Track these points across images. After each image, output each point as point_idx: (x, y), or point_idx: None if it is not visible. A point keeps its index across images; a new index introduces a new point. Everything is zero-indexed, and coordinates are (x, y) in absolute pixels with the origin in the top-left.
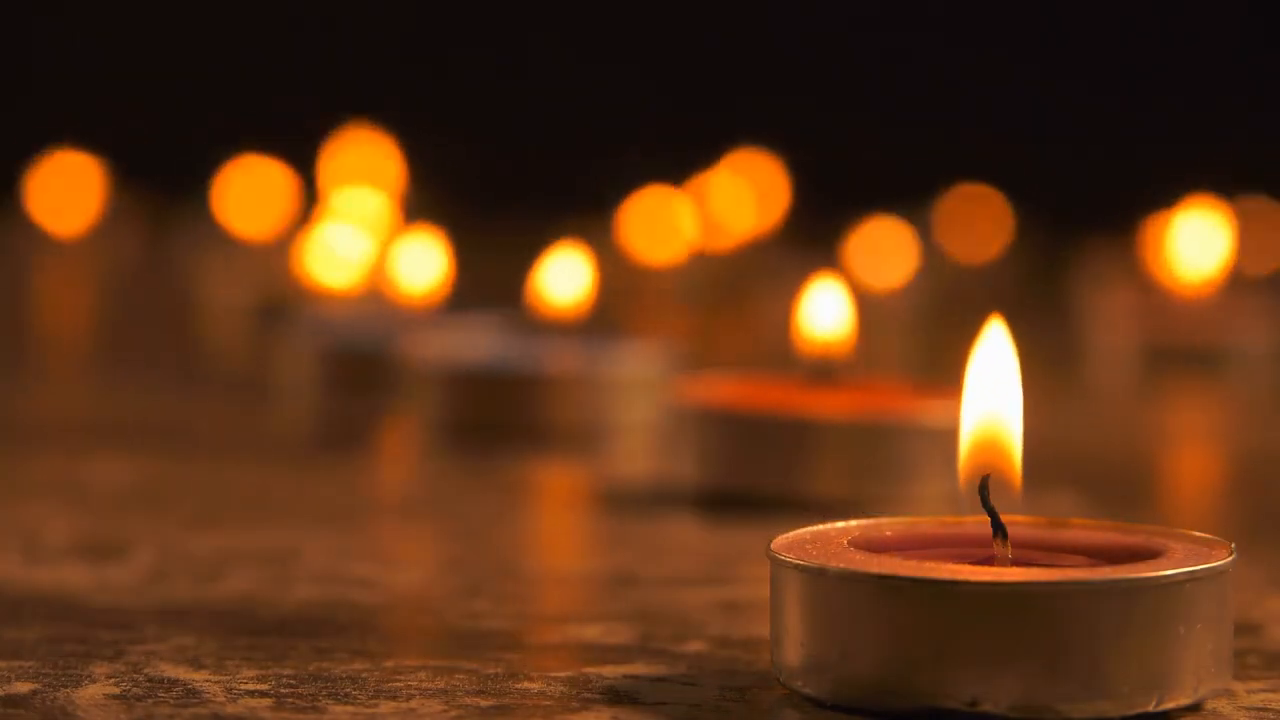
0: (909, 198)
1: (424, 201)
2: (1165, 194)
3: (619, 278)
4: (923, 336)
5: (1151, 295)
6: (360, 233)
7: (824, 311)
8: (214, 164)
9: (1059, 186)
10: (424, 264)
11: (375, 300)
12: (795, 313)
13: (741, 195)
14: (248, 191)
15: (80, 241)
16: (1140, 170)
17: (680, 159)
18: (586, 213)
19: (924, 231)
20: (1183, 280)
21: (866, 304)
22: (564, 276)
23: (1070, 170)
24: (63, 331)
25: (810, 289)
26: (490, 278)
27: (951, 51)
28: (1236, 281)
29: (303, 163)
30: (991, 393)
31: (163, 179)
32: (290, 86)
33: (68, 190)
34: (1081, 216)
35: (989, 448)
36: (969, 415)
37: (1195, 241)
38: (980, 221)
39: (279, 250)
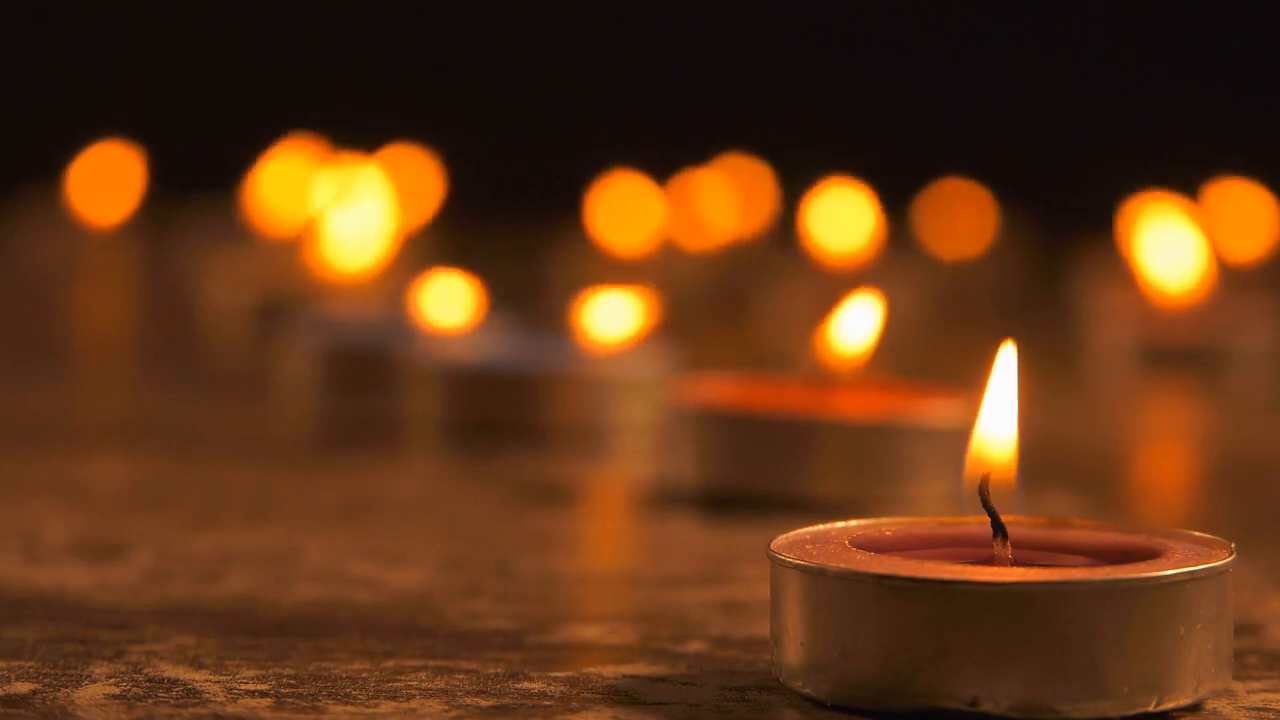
0: (899, 194)
1: (440, 204)
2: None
3: (617, 275)
4: (921, 335)
5: (1148, 294)
6: (370, 226)
7: (855, 327)
8: (220, 160)
9: (1056, 185)
10: (454, 300)
11: (387, 303)
12: (824, 325)
13: (728, 196)
14: (273, 189)
15: (105, 235)
16: (1138, 168)
17: (668, 158)
18: (575, 211)
19: (909, 228)
20: (1175, 279)
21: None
22: (615, 312)
23: (1068, 168)
24: (66, 331)
25: (845, 304)
26: (490, 278)
27: (946, 49)
28: (1232, 278)
29: (324, 160)
30: (993, 406)
31: (169, 174)
32: (290, 84)
33: (105, 181)
34: (1078, 215)
35: (985, 455)
36: (979, 422)
37: (1175, 239)
38: (965, 216)
39: (283, 249)
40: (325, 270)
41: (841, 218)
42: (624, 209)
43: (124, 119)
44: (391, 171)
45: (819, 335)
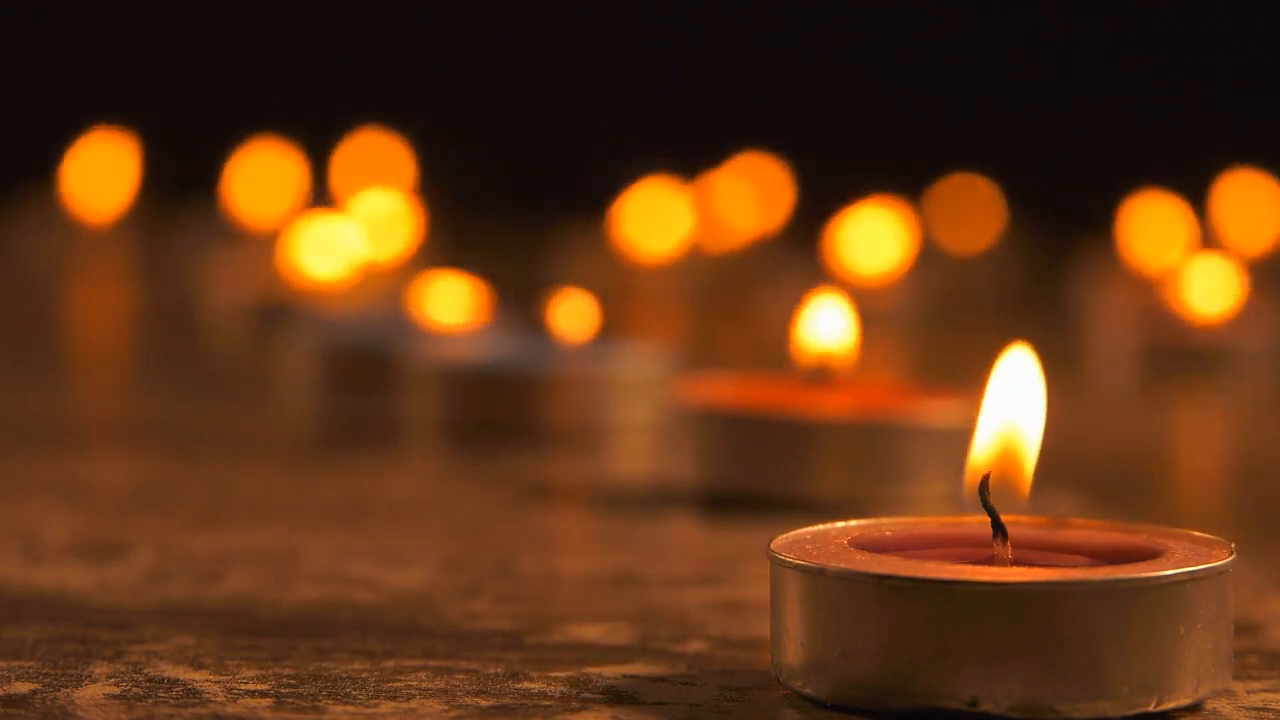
0: (904, 189)
1: (433, 202)
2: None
3: (616, 276)
4: (921, 335)
5: (1149, 294)
6: (365, 229)
7: (825, 325)
8: (218, 161)
9: (1055, 184)
10: (460, 299)
11: (387, 303)
12: (795, 324)
13: (744, 197)
14: (254, 186)
15: (102, 232)
16: (1134, 167)
17: (683, 159)
18: (588, 212)
19: (919, 223)
20: (1177, 278)
21: (863, 302)
22: (581, 307)
23: (1066, 168)
24: (67, 331)
25: (811, 302)
26: (495, 278)
27: (946, 48)
28: (1234, 276)
29: (310, 160)
30: (1013, 405)
31: (167, 175)
32: (293, 85)
33: (101, 174)
34: (1079, 214)
35: (1004, 457)
36: (987, 423)
37: (1177, 237)
38: (973, 211)
39: (283, 248)
40: (308, 278)
41: (871, 239)
42: (649, 212)
43: (119, 117)
44: (382, 168)
45: (795, 335)
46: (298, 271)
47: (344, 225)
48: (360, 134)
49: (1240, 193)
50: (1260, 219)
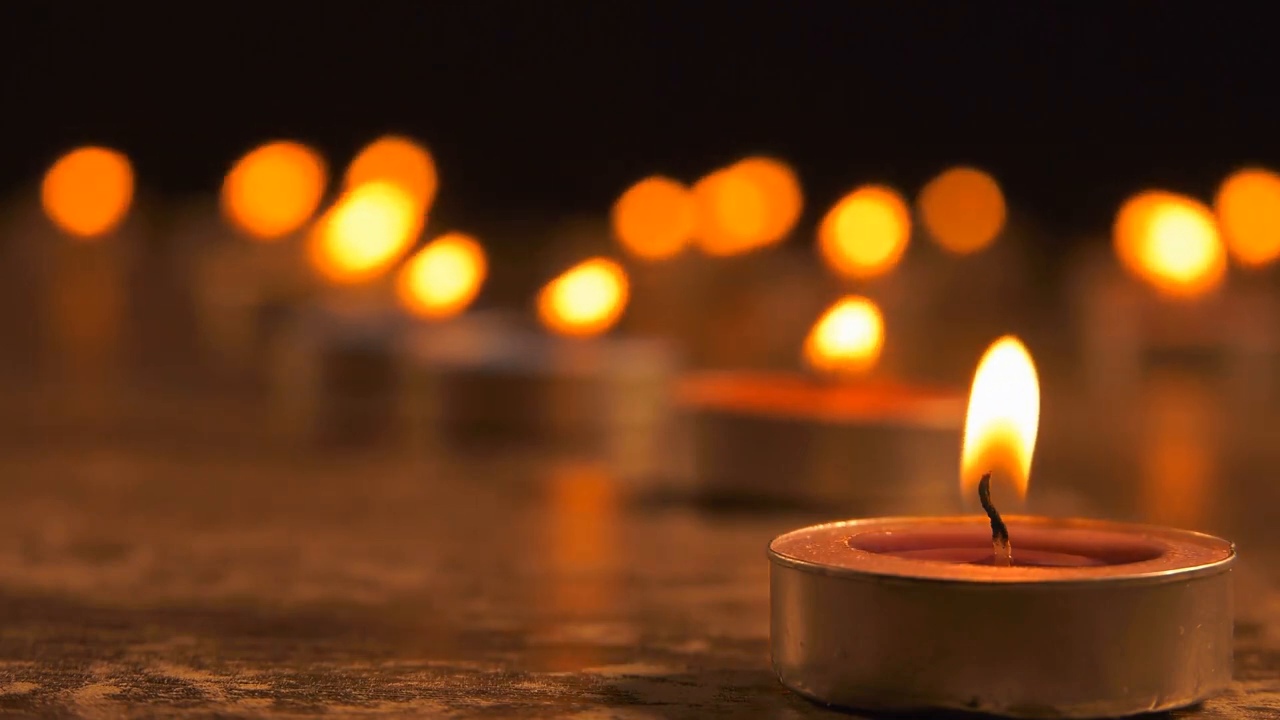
0: (904, 188)
1: (445, 202)
2: (1148, 189)
3: (620, 276)
4: (920, 333)
5: (1149, 294)
6: (380, 225)
7: (847, 329)
8: (220, 161)
9: (1055, 184)
10: (448, 274)
11: (387, 302)
12: (816, 326)
13: (747, 201)
14: (258, 187)
15: (95, 240)
16: (1134, 167)
17: (683, 159)
18: (590, 212)
19: (917, 220)
20: (1177, 278)
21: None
22: (587, 292)
23: (1066, 168)
24: (66, 331)
25: (836, 308)
26: (492, 278)
27: (945, 46)
28: (1234, 277)
29: (314, 160)
30: (1005, 400)
31: (167, 176)
32: (296, 85)
33: (88, 188)
34: (1078, 215)
35: (999, 452)
36: (979, 419)
37: (1178, 238)
38: (971, 207)
39: (285, 248)
40: (331, 269)
41: (865, 230)
42: (649, 212)
43: (111, 122)
44: (391, 169)
45: (813, 339)
46: (318, 269)
47: (366, 222)
48: (379, 140)
49: (1243, 194)
50: (1264, 219)
